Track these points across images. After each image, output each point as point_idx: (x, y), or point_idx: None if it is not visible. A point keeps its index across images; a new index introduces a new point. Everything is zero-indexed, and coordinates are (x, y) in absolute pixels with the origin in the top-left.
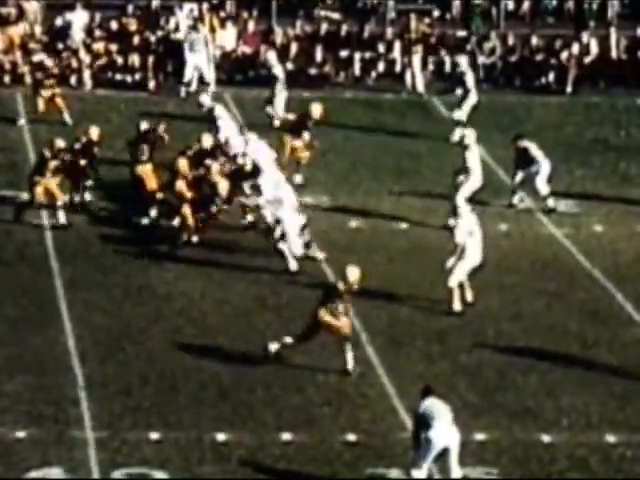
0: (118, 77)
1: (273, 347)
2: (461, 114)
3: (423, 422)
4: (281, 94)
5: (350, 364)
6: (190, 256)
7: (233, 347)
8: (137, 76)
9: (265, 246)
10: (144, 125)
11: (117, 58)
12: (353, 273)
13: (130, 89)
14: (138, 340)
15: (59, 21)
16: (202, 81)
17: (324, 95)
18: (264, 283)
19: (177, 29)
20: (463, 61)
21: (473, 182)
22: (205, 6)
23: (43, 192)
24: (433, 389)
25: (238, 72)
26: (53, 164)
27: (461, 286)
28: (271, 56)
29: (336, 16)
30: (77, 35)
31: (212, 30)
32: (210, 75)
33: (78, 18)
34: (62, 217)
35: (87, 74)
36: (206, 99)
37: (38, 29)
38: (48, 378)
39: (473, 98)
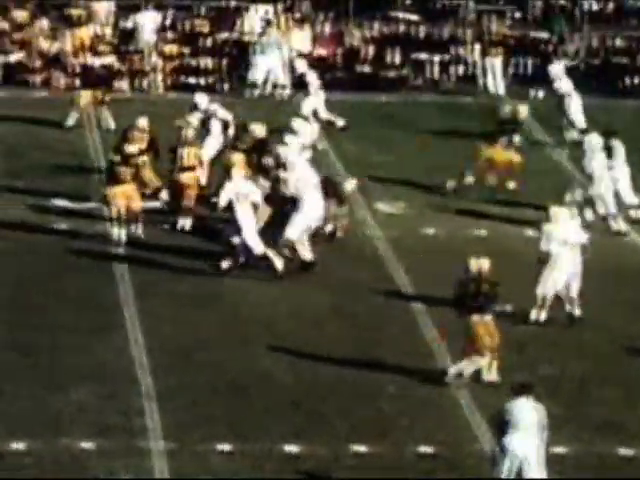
0: (190, 80)
1: (452, 371)
2: (580, 120)
3: (503, 425)
4: (318, 99)
5: (453, 376)
6: (262, 263)
7: (306, 356)
8: (209, 79)
9: (340, 253)
10: (190, 132)
11: (189, 60)
12: (484, 264)
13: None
14: (208, 349)
15: (129, 23)
16: (276, 85)
17: (400, 99)
18: (339, 290)
19: (250, 31)
20: (557, 68)
21: (595, 189)
22: (279, 7)
23: (121, 198)
24: (530, 388)
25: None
26: (127, 171)
27: (558, 298)
28: (300, 63)
29: (413, 17)
30: (147, 37)
31: (287, 32)
32: (285, 78)
33: (149, 19)
34: (140, 229)
35: (158, 77)
36: (201, 99)
37: (108, 31)
38: (115, 388)
39: (577, 101)
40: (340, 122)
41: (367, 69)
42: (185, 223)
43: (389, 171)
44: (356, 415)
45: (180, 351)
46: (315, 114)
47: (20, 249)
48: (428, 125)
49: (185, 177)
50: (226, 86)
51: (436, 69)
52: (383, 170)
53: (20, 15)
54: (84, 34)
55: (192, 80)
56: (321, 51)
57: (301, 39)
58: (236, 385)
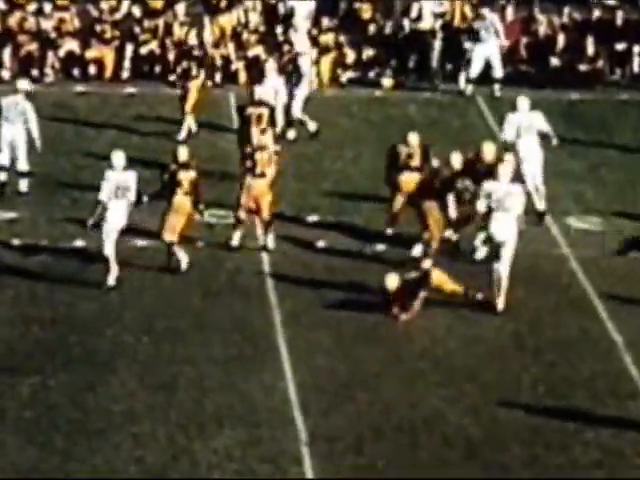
0: (349, 74)
1: None
2: None
3: None
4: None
5: None
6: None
7: (484, 395)
8: (372, 72)
9: (524, 275)
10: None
11: (348, 52)
12: None
13: (364, 87)
14: (371, 386)
15: (280, 8)
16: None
17: (595, 96)
18: (523, 319)
19: (420, 17)
20: None
21: None
22: None
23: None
24: None
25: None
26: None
27: None
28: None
29: (611, 2)
30: (301, 25)
31: (463, 19)
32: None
33: (302, 5)
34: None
35: (313, 70)
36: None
37: (255, 17)
38: (264, 431)
39: None
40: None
41: (556, 62)
42: (268, 240)
43: (583, 180)
44: (544, 466)
45: (339, 388)
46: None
47: (162, 269)
48: (628, 127)
49: (258, 185)
50: (389, 81)
51: (637, 61)
52: (575, 179)
53: None
54: (227, 21)
55: (351, 74)
56: (503, 41)
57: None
58: (403, 428)
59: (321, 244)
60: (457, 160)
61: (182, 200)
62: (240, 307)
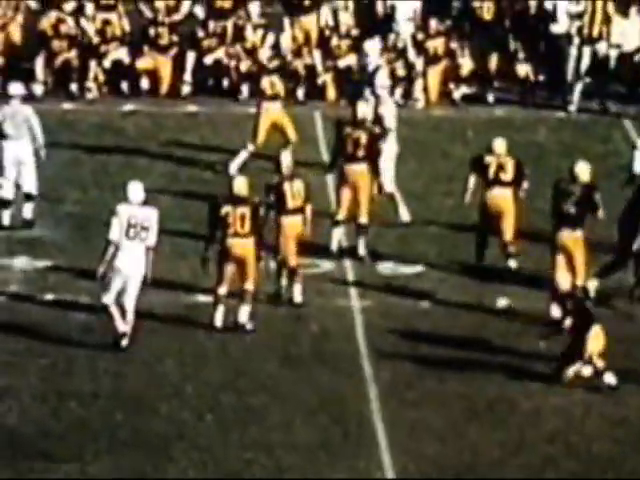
0: (464, 90)
1: None
2: None
3: None
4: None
5: None
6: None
7: None
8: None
9: None
10: (287, 156)
11: (462, 61)
12: None
13: (482, 105)
14: (490, 477)
15: (379, 7)
16: None
17: None
18: None
19: (554, 18)
20: None
21: None
22: None
23: None
24: None
25: None
26: None
27: None
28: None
29: None
30: (404, 28)
31: (605, 21)
32: None
33: (405, 4)
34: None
35: (419, 85)
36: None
37: (346, 19)
38: None
39: None
40: None
41: None
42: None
43: None
44: None
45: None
46: None
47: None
48: None
49: (291, 223)
50: (524, 68)
51: None
52: None
53: None
54: (311, 24)
55: (468, 90)
56: None
57: (625, 32)
58: None
59: (428, 300)
60: (585, 170)
61: (235, 243)
62: (327, 379)
